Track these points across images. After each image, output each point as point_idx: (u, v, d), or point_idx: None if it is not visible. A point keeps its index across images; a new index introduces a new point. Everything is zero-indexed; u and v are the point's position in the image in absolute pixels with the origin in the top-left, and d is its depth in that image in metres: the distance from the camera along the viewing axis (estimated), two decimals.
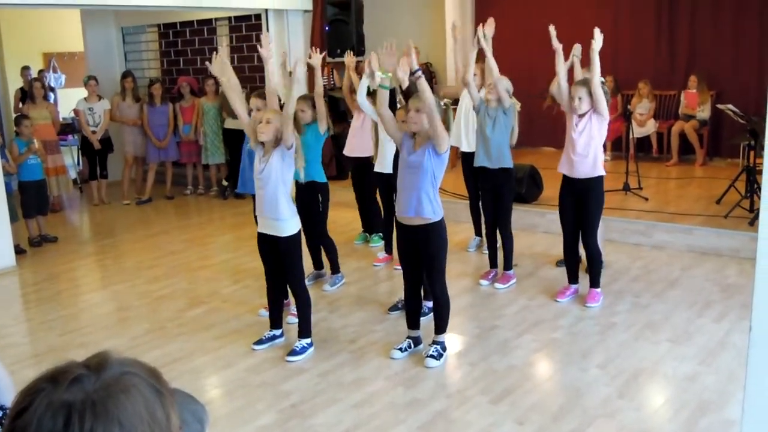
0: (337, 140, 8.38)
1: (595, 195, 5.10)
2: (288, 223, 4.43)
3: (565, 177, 5.18)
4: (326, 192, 5.64)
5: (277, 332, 4.72)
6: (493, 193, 5.61)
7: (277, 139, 4.31)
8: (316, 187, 5.53)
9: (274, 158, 4.31)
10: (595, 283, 5.25)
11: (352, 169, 6.81)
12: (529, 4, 10.66)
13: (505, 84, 5.36)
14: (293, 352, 4.49)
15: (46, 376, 0.97)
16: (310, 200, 5.51)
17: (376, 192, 6.54)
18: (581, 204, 5.12)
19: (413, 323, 4.54)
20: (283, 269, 4.53)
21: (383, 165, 6.01)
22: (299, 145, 4.45)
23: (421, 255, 4.31)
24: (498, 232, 5.72)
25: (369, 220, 6.94)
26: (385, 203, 6.24)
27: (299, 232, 4.53)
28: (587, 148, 5.00)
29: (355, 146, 6.55)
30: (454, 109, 6.48)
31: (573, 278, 5.37)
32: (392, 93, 6.05)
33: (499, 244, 5.73)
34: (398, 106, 5.12)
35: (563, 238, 5.33)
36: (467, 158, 6.15)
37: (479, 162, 5.57)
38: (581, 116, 4.98)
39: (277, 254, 4.50)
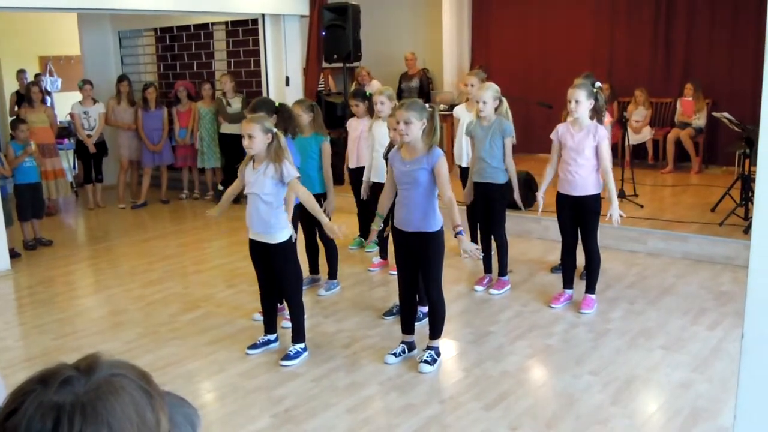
0: (333, 145, 8.37)
1: (596, 206, 5.12)
2: (280, 233, 4.43)
3: (561, 193, 5.19)
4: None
5: (272, 337, 4.71)
6: (485, 202, 5.61)
7: (272, 152, 4.29)
8: (319, 197, 5.55)
9: (269, 174, 4.30)
10: (590, 288, 5.25)
11: (352, 175, 6.80)
12: (525, 14, 10.68)
13: (492, 93, 5.36)
14: (287, 357, 4.48)
15: (36, 377, 0.97)
16: None
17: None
18: (581, 215, 5.13)
19: (408, 328, 4.54)
20: (275, 275, 4.52)
21: (378, 175, 6.04)
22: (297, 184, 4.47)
23: (418, 261, 4.31)
24: (493, 238, 5.73)
25: (367, 225, 6.93)
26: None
27: (291, 237, 4.52)
28: (587, 166, 5.00)
29: (359, 156, 6.53)
30: (449, 117, 6.50)
31: (568, 283, 5.37)
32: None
33: (494, 250, 5.75)
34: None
35: (562, 244, 5.32)
36: (465, 171, 6.14)
37: (474, 179, 5.61)
38: (582, 133, 4.97)
39: (269, 260, 4.49)
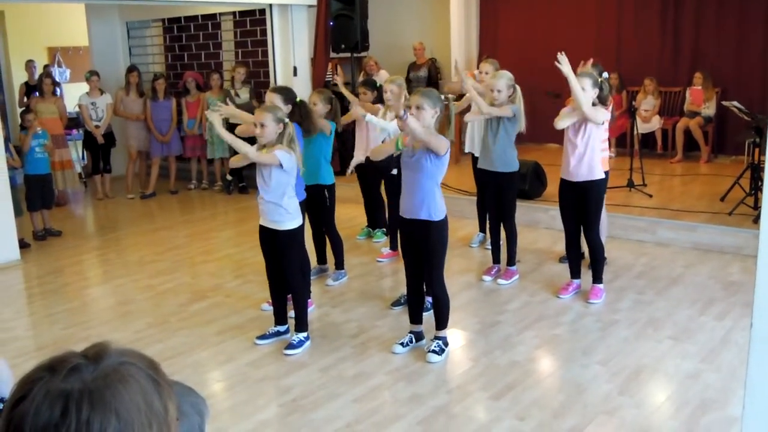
0: (341, 135, 8.37)
1: (595, 194, 5.11)
2: (291, 221, 4.44)
3: (563, 178, 5.19)
4: (333, 190, 5.67)
5: (282, 328, 4.71)
6: (496, 191, 5.61)
7: (284, 141, 4.30)
8: (324, 188, 5.55)
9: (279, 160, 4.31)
10: (597, 278, 5.25)
11: (359, 168, 6.78)
12: (533, 3, 10.63)
13: (506, 81, 5.33)
14: (290, 346, 4.50)
15: (44, 365, 0.97)
16: (318, 198, 5.52)
17: (380, 187, 6.54)
18: (581, 202, 5.12)
19: (415, 318, 4.55)
20: (281, 262, 4.53)
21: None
22: (299, 157, 4.44)
23: (421, 250, 4.31)
24: (503, 227, 5.72)
25: (373, 215, 6.96)
26: (391, 202, 6.24)
27: (300, 227, 4.53)
28: (585, 152, 4.99)
29: (367, 149, 6.51)
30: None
31: (575, 273, 5.37)
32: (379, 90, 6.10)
33: (503, 240, 5.74)
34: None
35: (565, 234, 5.34)
36: (476, 158, 6.12)
37: (481, 165, 5.60)
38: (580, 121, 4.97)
39: (276, 247, 4.51)
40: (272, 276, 4.64)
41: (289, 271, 4.53)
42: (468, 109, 5.99)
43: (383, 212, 6.81)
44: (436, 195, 4.20)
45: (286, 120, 4.36)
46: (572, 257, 5.37)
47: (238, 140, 4.33)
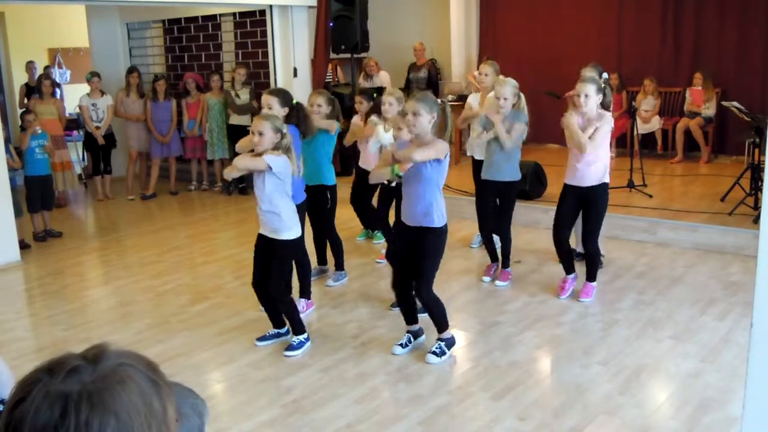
0: (341, 136, 8.35)
1: (602, 199, 5.11)
2: (288, 231, 4.42)
3: (568, 184, 5.17)
4: (334, 192, 5.66)
5: (282, 330, 4.69)
6: (498, 197, 5.59)
7: (280, 150, 4.28)
8: (326, 189, 5.54)
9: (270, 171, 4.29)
10: (591, 278, 5.26)
11: (358, 173, 6.71)
12: (534, 4, 10.62)
13: (511, 89, 5.31)
14: (290, 348, 4.50)
15: (43, 367, 0.98)
16: (319, 199, 5.52)
17: (372, 197, 6.49)
18: (586, 209, 5.11)
19: (410, 319, 4.51)
20: (269, 270, 4.49)
21: None
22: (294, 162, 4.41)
23: (416, 254, 4.24)
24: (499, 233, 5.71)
25: (366, 220, 6.87)
26: (384, 207, 6.16)
27: (299, 238, 4.52)
28: (593, 158, 4.98)
29: (371, 160, 6.48)
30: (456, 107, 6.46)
31: (569, 269, 5.36)
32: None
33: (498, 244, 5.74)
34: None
35: (557, 234, 5.26)
36: (478, 164, 6.07)
37: (484, 176, 5.57)
38: (587, 124, 4.97)
39: (272, 256, 4.47)
40: (257, 285, 4.59)
41: (271, 280, 4.49)
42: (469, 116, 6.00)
43: (375, 216, 6.75)
44: (440, 201, 4.16)
45: (284, 130, 4.31)
46: (565, 257, 5.35)
47: (239, 158, 4.35)
